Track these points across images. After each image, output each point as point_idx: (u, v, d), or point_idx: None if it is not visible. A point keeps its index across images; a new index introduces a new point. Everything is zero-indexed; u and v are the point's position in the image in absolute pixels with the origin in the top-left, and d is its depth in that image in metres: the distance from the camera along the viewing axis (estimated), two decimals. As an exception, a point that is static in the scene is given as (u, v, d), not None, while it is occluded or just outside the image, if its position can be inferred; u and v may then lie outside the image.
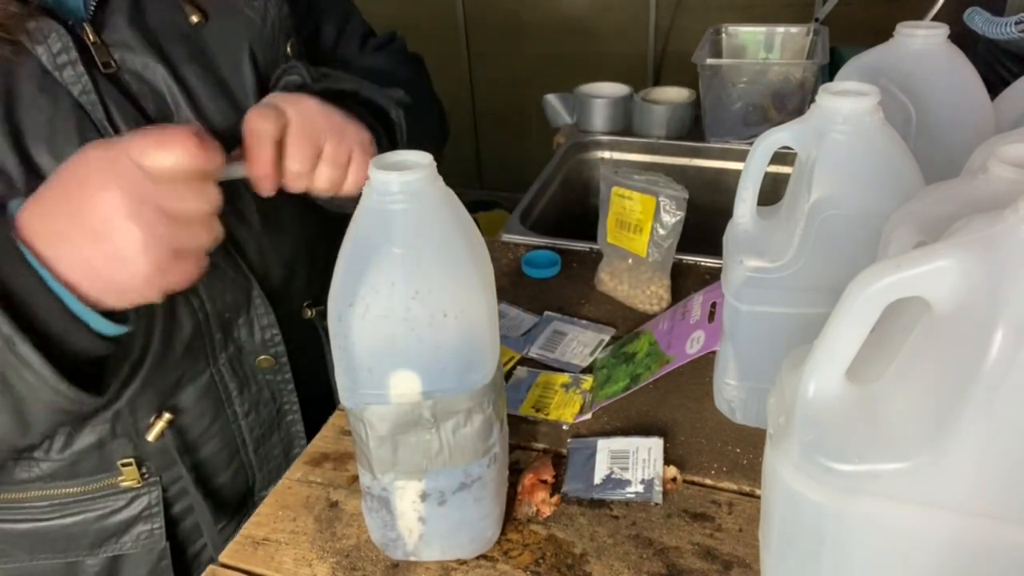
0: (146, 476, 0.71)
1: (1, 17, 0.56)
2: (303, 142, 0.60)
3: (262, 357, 0.76)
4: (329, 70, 0.74)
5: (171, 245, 0.51)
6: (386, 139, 0.71)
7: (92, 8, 0.61)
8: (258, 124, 0.58)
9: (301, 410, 0.81)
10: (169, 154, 0.50)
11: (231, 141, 0.62)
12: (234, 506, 0.80)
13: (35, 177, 0.57)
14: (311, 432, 0.81)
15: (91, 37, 0.60)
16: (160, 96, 0.64)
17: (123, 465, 0.70)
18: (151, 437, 0.69)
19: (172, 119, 0.65)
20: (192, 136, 0.50)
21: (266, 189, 0.60)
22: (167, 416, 0.70)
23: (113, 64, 0.62)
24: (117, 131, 0.61)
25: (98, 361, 0.57)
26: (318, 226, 0.80)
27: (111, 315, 0.54)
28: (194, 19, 0.67)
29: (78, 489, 0.70)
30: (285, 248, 0.76)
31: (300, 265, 0.79)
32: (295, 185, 0.61)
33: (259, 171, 0.59)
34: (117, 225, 0.49)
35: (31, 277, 0.50)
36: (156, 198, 0.50)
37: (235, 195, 0.69)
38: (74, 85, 0.59)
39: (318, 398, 0.83)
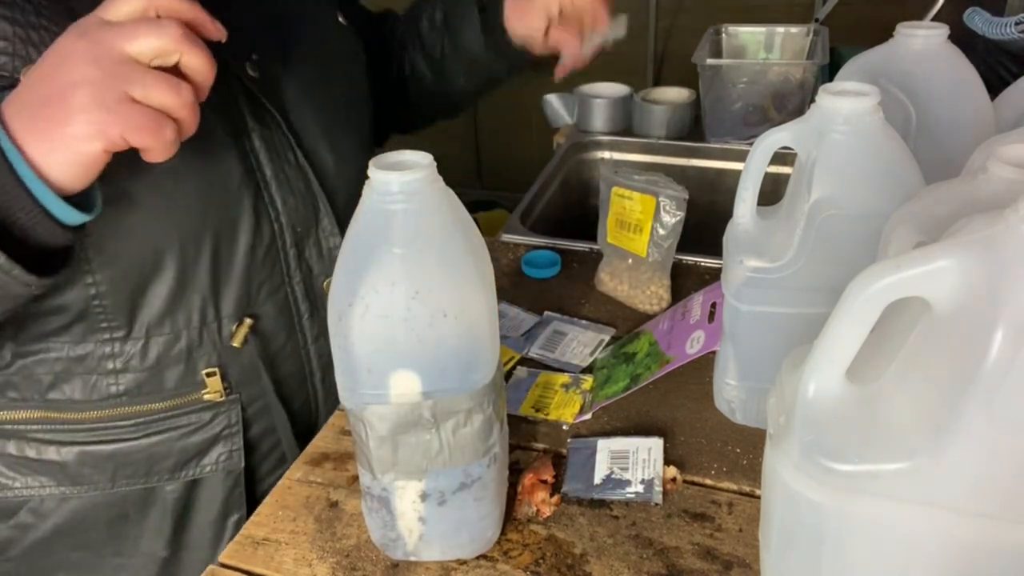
0: (228, 390, 0.74)
1: None
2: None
3: (328, 279, 0.78)
4: None
5: (117, 85, 0.50)
6: None
7: None
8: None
9: None
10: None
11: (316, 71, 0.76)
12: (301, 438, 0.80)
13: None
14: None
15: None
16: (245, 24, 0.68)
17: (207, 376, 0.72)
18: (236, 343, 0.72)
19: (255, 48, 0.71)
20: None
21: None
22: (249, 322, 0.73)
23: None
24: (216, 45, 0.65)
25: (57, 254, 0.56)
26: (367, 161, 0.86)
27: (75, 203, 0.53)
28: None
29: (163, 404, 0.72)
30: (347, 175, 0.80)
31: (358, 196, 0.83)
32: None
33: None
34: (66, 62, 0.50)
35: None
36: (109, 36, 0.50)
37: (304, 114, 0.75)
38: None
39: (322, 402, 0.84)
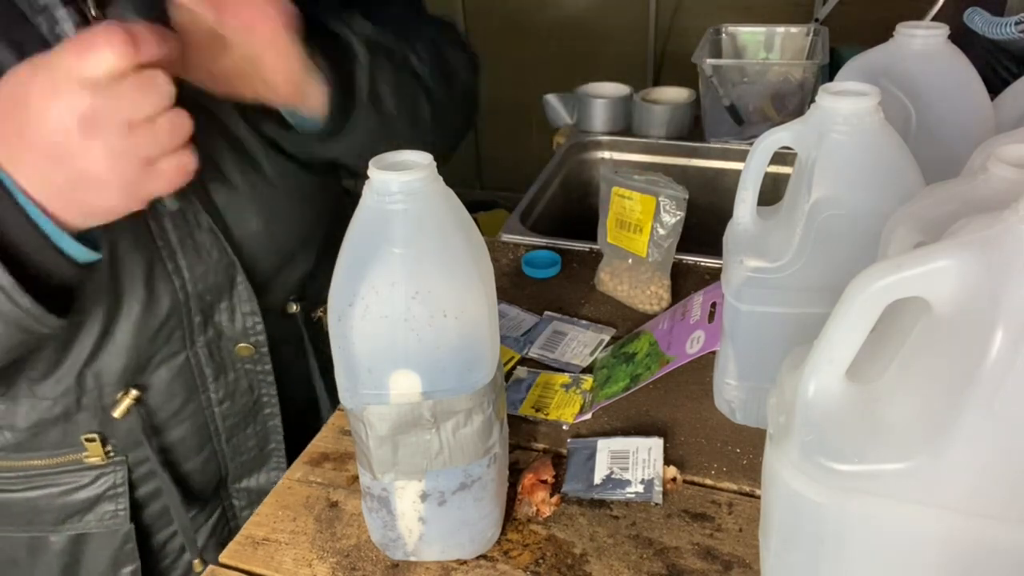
0: (111, 454, 0.72)
1: None
2: None
3: (241, 345, 0.75)
4: None
5: (138, 155, 0.50)
6: (336, 75, 0.65)
7: None
8: None
9: (281, 406, 0.80)
10: (100, 59, 0.47)
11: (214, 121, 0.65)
12: (207, 496, 0.79)
13: None
14: (290, 430, 0.81)
15: (93, 12, 0.60)
16: None
17: (87, 440, 0.70)
18: (117, 414, 0.69)
19: None
20: (117, 32, 0.47)
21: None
22: (134, 393, 0.70)
23: None
24: None
25: (69, 290, 0.57)
26: (315, 221, 0.79)
27: (84, 240, 0.54)
28: None
29: (43, 462, 0.70)
30: (279, 238, 0.75)
31: (293, 258, 0.78)
32: None
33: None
34: (75, 146, 0.48)
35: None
36: (107, 110, 0.48)
37: (223, 173, 0.69)
38: None
39: (299, 397, 0.83)
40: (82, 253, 0.54)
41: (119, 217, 0.53)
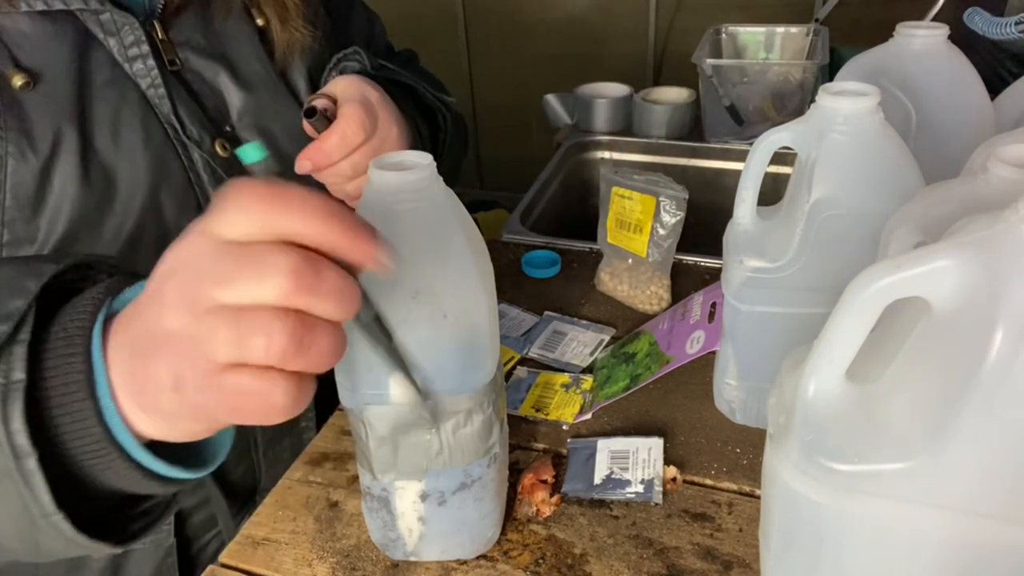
0: None
1: None
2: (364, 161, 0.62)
3: None
4: (386, 62, 0.77)
5: (205, 352, 0.36)
6: (429, 143, 0.73)
7: (161, 6, 0.63)
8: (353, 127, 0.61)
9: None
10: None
11: (290, 145, 0.68)
12: (237, 506, 0.80)
13: (92, 153, 0.59)
14: None
15: (159, 35, 0.62)
16: (219, 96, 0.67)
17: None
18: None
19: (229, 119, 0.68)
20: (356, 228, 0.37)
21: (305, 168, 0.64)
22: None
23: (178, 62, 0.64)
24: (183, 125, 0.63)
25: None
26: None
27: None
28: (260, 22, 0.69)
29: None
30: None
31: None
32: (333, 180, 0.64)
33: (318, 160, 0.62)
34: (159, 298, 0.37)
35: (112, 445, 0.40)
36: (204, 275, 0.36)
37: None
38: (143, 78, 0.61)
39: (324, 405, 0.83)
40: (161, 466, 0.43)
41: (188, 435, 0.42)
